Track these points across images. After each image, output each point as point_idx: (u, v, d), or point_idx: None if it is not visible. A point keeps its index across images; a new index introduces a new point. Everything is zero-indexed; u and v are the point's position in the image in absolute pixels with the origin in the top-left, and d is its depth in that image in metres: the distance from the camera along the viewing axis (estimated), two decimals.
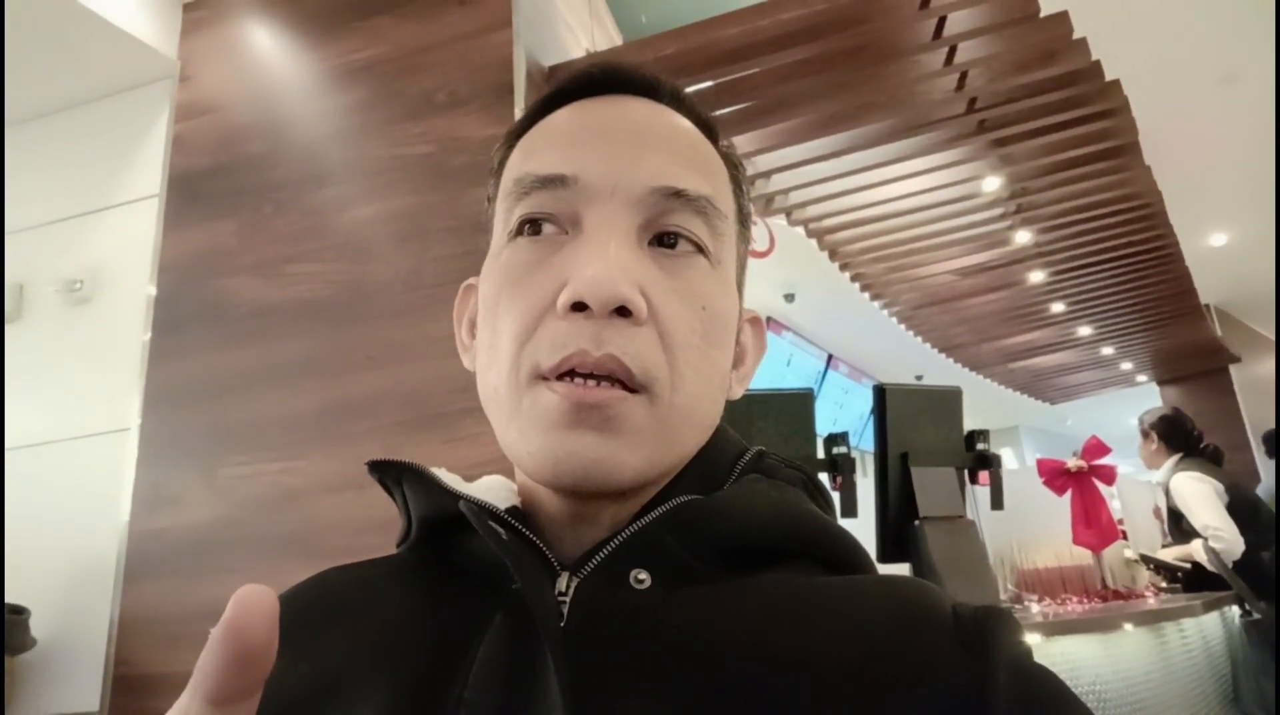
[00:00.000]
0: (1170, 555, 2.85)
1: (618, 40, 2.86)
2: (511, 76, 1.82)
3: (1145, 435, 2.98)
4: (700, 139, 0.46)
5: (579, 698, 0.33)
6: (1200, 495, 2.68)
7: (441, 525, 0.44)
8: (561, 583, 0.39)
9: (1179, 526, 2.82)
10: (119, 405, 1.89)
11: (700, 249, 0.42)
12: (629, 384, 0.39)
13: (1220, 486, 2.70)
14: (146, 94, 2.17)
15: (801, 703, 0.33)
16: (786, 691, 0.33)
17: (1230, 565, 2.54)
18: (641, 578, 0.38)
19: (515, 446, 0.41)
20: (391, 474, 0.46)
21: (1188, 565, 2.61)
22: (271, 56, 2.10)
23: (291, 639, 0.42)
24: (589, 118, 0.45)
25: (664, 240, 0.42)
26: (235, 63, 2.11)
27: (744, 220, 0.49)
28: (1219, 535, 2.57)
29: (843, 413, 7.14)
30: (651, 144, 0.43)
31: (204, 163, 2.04)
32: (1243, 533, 2.57)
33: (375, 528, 1.61)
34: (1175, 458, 2.89)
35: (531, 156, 0.44)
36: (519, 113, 1.79)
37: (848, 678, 0.33)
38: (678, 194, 0.41)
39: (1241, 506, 2.66)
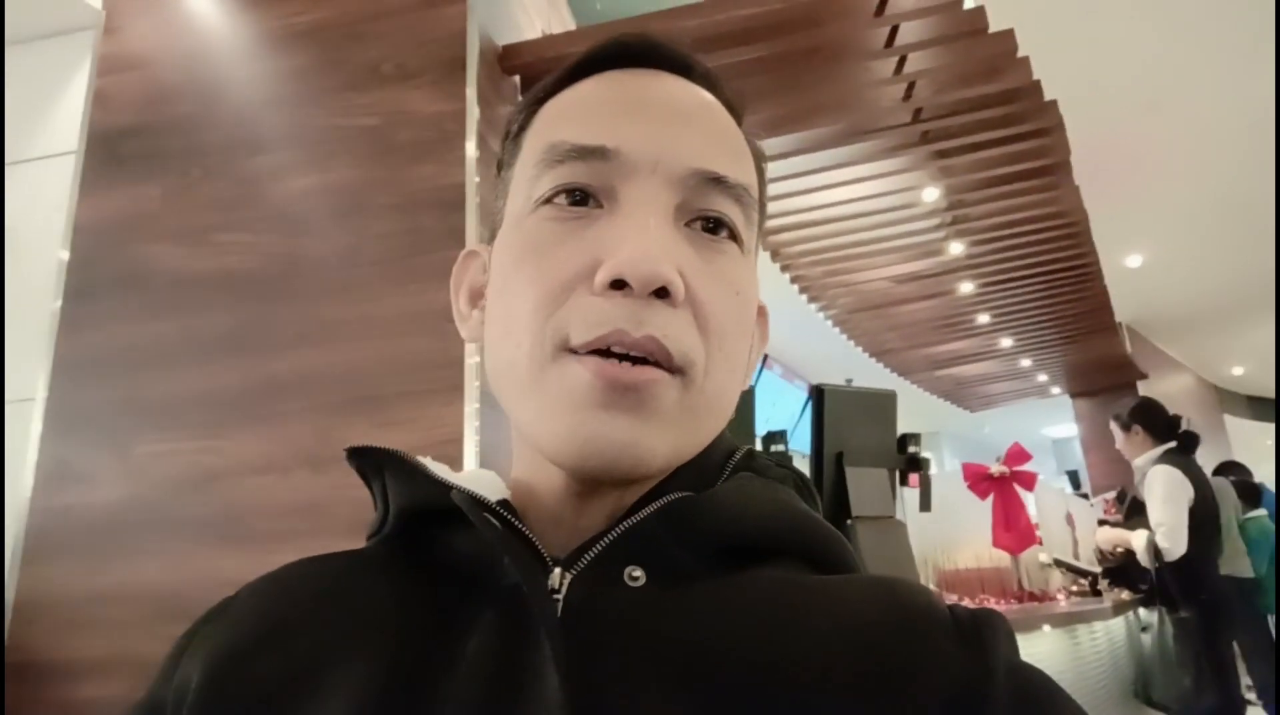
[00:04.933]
0: (1107, 538, 2.96)
1: (571, 25, 2.81)
2: (464, 52, 1.77)
3: (1126, 427, 3.04)
4: (734, 124, 0.45)
5: (578, 693, 0.32)
6: (1171, 492, 2.75)
7: (423, 518, 0.42)
8: (554, 579, 0.37)
9: (1136, 514, 2.89)
10: (24, 374, 1.77)
11: (734, 236, 0.42)
12: (666, 366, 0.37)
13: (1193, 494, 2.79)
14: (66, 43, 2.03)
15: (803, 700, 0.32)
16: (788, 689, 0.32)
17: (1165, 563, 2.64)
18: (636, 575, 0.37)
19: (533, 424, 0.39)
20: (372, 462, 0.44)
21: (1096, 570, 2.73)
22: (206, 13, 1.99)
23: (262, 631, 0.39)
24: (627, 90, 0.43)
25: (705, 224, 0.41)
26: (166, 17, 1.99)
27: (762, 209, 0.48)
28: (1167, 533, 2.67)
29: (775, 412, 7.25)
30: (692, 124, 0.42)
31: (127, 121, 1.92)
32: (1191, 540, 2.67)
33: (300, 512, 1.55)
34: (1162, 449, 2.94)
35: (565, 124, 0.42)
36: (471, 90, 1.74)
37: (848, 675, 0.33)
38: (718, 180, 0.41)
39: (1199, 514, 2.76)
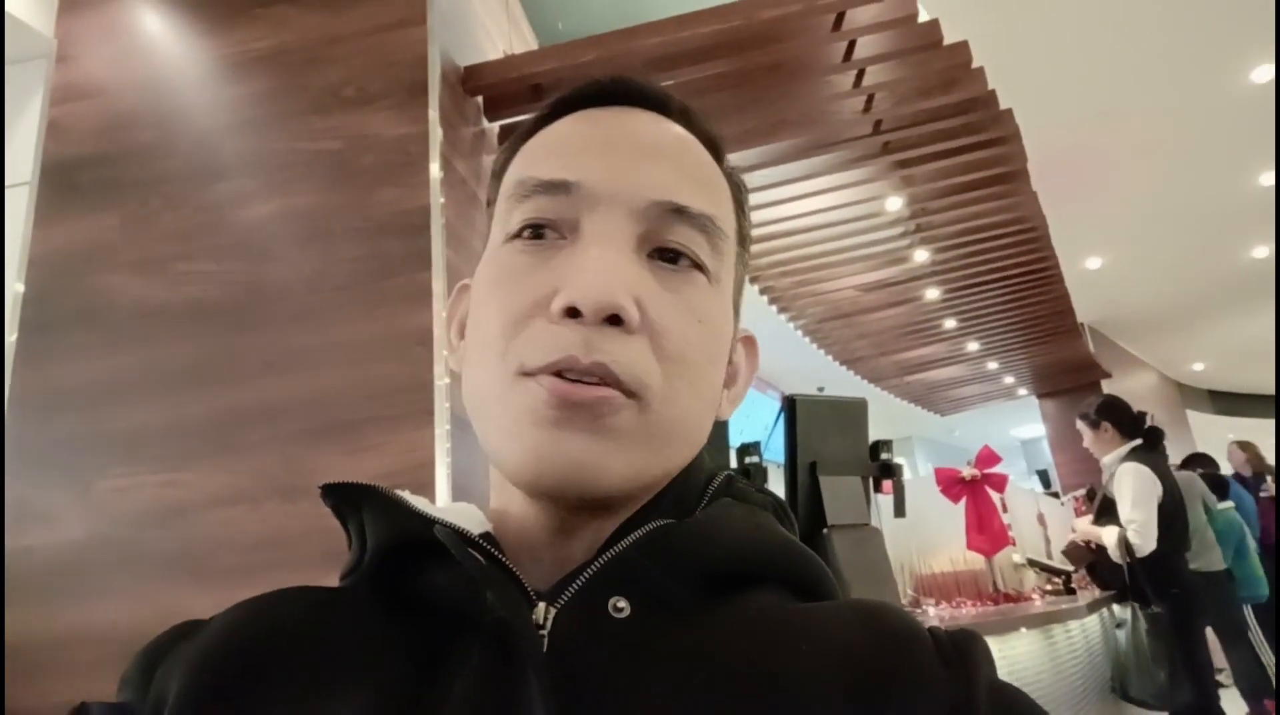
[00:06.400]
0: (1080, 533, 2.98)
1: (534, 45, 2.82)
2: (426, 74, 1.76)
3: (1095, 425, 3.05)
4: (706, 157, 0.46)
5: None
6: (1140, 489, 2.77)
7: (401, 555, 0.41)
8: (539, 614, 0.37)
9: (1106, 512, 2.90)
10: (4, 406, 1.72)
11: (699, 266, 0.42)
12: (619, 390, 0.38)
13: (1161, 488, 2.81)
14: (17, 73, 1.99)
15: None
16: None
17: (1136, 559, 2.66)
18: (620, 606, 0.37)
19: (497, 445, 0.39)
20: (349, 499, 0.43)
21: (1070, 569, 2.77)
22: (161, 40, 1.96)
23: (245, 664, 0.37)
24: (595, 126, 0.44)
25: (665, 255, 0.41)
26: (120, 45, 1.97)
27: (744, 242, 0.48)
28: (1138, 530, 2.70)
29: (749, 423, 7.27)
30: (657, 157, 0.43)
31: (83, 150, 1.88)
32: (1161, 536, 2.70)
33: (270, 544, 1.52)
34: (1130, 446, 2.96)
35: (535, 161, 0.44)
36: (434, 112, 1.74)
37: (838, 700, 0.33)
38: (680, 211, 0.41)
39: (1167, 510, 2.79)
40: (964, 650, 0.36)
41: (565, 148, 0.44)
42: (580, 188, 0.41)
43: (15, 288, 1.80)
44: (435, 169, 1.70)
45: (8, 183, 1.91)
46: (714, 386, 0.44)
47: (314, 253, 1.69)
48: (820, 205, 3.41)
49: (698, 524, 0.40)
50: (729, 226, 0.45)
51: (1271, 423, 8.42)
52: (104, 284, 1.77)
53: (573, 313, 0.37)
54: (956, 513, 2.81)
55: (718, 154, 0.47)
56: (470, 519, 0.42)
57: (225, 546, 1.53)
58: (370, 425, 1.55)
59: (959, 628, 0.38)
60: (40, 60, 1.98)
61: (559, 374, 0.37)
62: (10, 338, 1.76)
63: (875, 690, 0.34)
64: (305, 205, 1.73)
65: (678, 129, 0.46)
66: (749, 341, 0.50)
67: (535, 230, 0.41)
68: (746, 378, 0.49)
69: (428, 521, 0.39)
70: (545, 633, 0.36)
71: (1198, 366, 10.04)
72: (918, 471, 10.63)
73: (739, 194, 0.48)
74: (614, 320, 0.38)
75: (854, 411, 2.18)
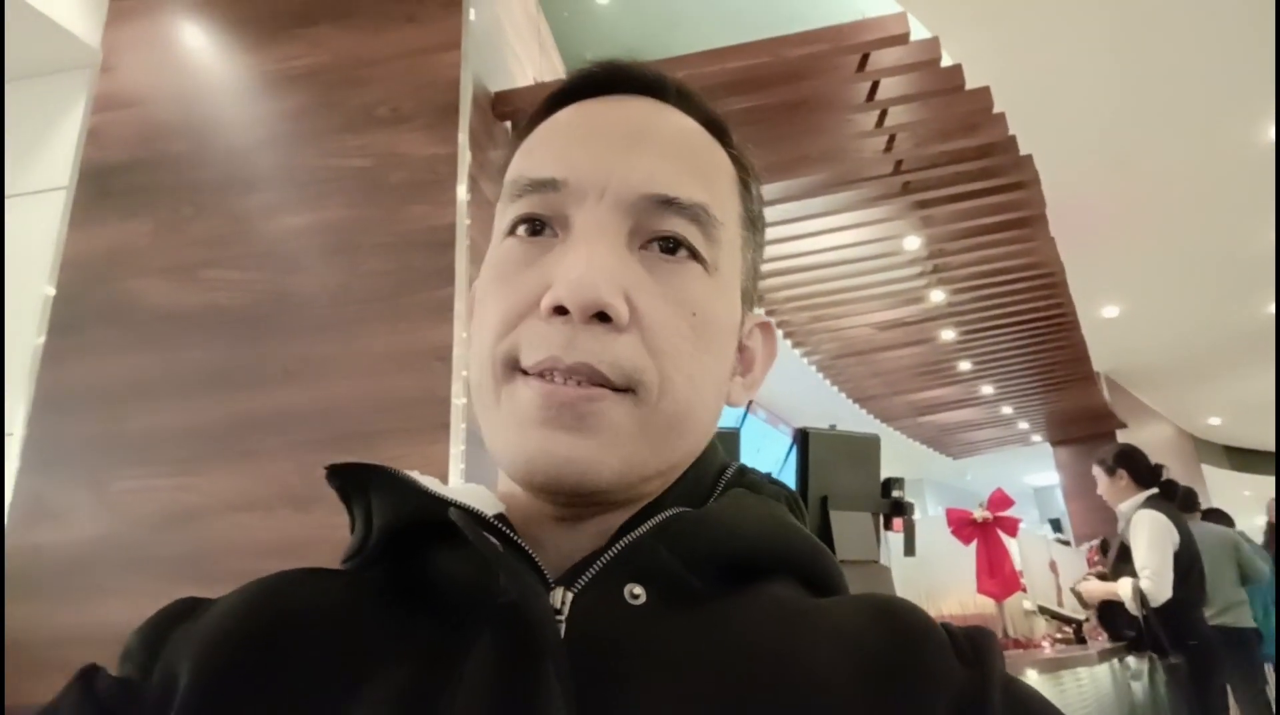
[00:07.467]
0: (1097, 590, 2.94)
1: (562, 73, 2.88)
2: (457, 97, 1.80)
3: (1111, 472, 3.03)
4: (703, 140, 0.45)
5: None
6: (1156, 536, 2.74)
7: (408, 536, 0.41)
8: (555, 598, 0.36)
9: (1123, 561, 2.87)
10: (5, 409, 1.74)
11: (694, 255, 0.41)
12: (610, 386, 0.38)
13: (1178, 538, 2.78)
14: (62, 81, 2.05)
15: None
16: (796, 707, 0.33)
17: (1151, 607, 2.62)
18: (636, 593, 0.37)
19: (491, 442, 0.40)
20: (356, 479, 0.43)
21: (1081, 618, 2.72)
22: (202, 55, 2.02)
23: (255, 648, 0.37)
24: (586, 118, 0.44)
25: (664, 245, 0.41)
26: (162, 58, 2.03)
27: (753, 224, 0.47)
28: (1151, 575, 2.66)
29: (761, 456, 7.22)
30: (646, 146, 0.42)
31: (120, 157, 1.93)
32: (1176, 585, 2.66)
33: (281, 551, 1.53)
34: (1146, 494, 2.94)
35: (527, 159, 0.43)
36: (463, 134, 1.78)
37: (855, 693, 0.33)
38: (669, 202, 0.40)
39: (1184, 560, 2.75)
40: (979, 647, 0.36)
41: (554, 143, 0.43)
42: (568, 184, 0.40)
43: (46, 290, 1.84)
44: (463, 190, 1.73)
45: (46, 187, 1.96)
46: (716, 377, 0.43)
47: (339, 265, 1.72)
48: (839, 242, 3.43)
49: (712, 513, 0.40)
50: (727, 213, 0.43)
51: None
52: (132, 288, 1.80)
53: (561, 310, 0.37)
54: (967, 555, 2.77)
55: (720, 135, 0.46)
56: (483, 500, 0.41)
57: (235, 552, 1.54)
58: (386, 437, 1.57)
59: (976, 626, 0.38)
60: (85, 69, 2.04)
61: (544, 373, 0.37)
62: (39, 339, 1.79)
63: (892, 683, 0.34)
64: (334, 219, 1.77)
65: (672, 114, 0.44)
66: (765, 327, 0.49)
67: (532, 226, 0.41)
68: (764, 364, 0.48)
69: (440, 502, 0.39)
70: (563, 618, 0.36)
71: (1214, 421, 9.92)
72: (928, 514, 10.51)
73: (746, 175, 0.46)
74: (603, 317, 0.37)
75: (866, 447, 2.18)
